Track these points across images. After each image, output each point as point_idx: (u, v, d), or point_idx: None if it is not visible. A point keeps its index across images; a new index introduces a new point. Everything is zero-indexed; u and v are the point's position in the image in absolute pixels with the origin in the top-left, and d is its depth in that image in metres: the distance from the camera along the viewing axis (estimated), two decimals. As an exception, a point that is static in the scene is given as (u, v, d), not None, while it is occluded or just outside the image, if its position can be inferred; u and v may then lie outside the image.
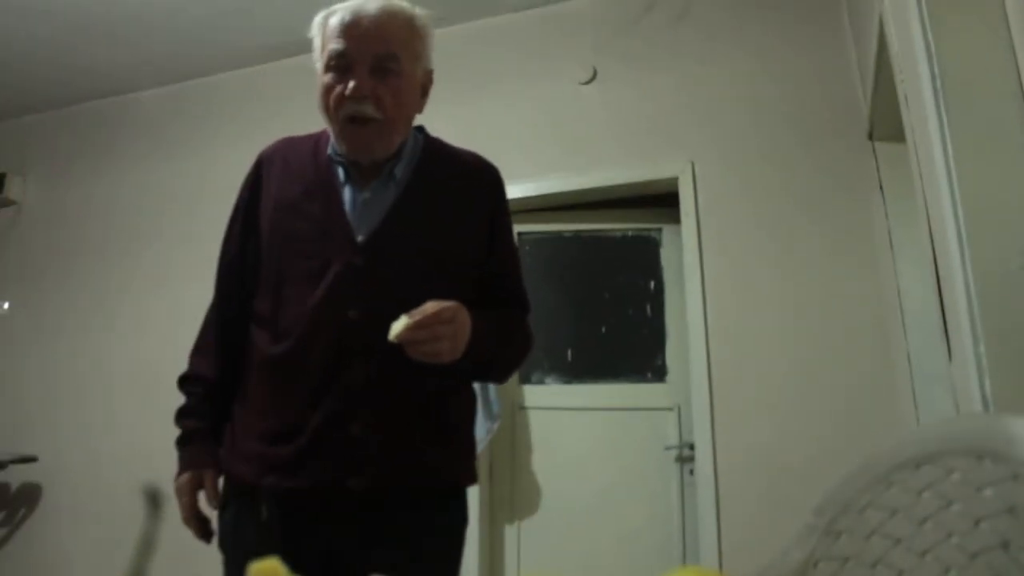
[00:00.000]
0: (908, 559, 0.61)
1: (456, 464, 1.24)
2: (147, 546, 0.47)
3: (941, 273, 1.47)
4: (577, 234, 3.14)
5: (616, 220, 3.10)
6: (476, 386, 2.69)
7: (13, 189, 3.86)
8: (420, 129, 1.36)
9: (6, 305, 3.76)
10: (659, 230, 3.04)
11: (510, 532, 2.87)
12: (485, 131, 3.09)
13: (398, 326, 1.06)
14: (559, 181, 2.99)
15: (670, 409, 2.83)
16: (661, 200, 2.95)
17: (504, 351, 1.29)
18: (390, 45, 1.19)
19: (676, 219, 2.85)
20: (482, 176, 1.34)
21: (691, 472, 2.68)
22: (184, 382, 1.30)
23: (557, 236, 3.15)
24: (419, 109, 1.30)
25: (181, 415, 1.28)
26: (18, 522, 3.43)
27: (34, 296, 3.71)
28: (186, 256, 3.36)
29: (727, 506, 2.50)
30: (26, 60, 3.50)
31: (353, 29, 1.18)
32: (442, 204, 1.28)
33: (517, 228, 3.15)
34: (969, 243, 1.22)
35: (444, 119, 3.18)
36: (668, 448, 2.77)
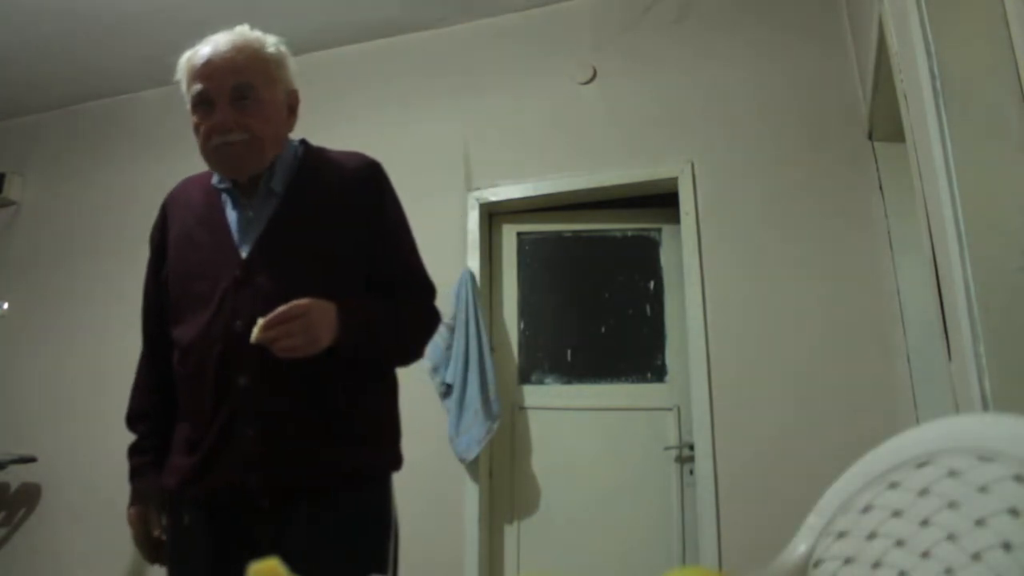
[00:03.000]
0: (909, 559, 0.60)
1: (356, 453, 1.27)
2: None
3: (941, 273, 1.47)
4: (577, 234, 3.14)
5: (616, 220, 3.10)
6: (476, 385, 2.75)
7: (13, 189, 3.85)
8: (302, 142, 1.43)
9: (6, 305, 3.75)
10: (659, 230, 3.04)
11: (510, 532, 2.87)
12: (485, 131, 3.10)
13: (256, 329, 1.15)
14: (559, 181, 2.99)
15: (670, 409, 2.83)
16: (661, 200, 2.95)
17: (388, 334, 1.33)
18: (243, 75, 1.28)
19: (676, 219, 2.85)
20: (360, 173, 1.38)
21: (691, 472, 2.68)
22: (128, 421, 1.43)
23: (557, 236, 3.15)
24: (289, 127, 1.39)
25: (129, 452, 1.40)
26: (18, 522, 3.42)
27: (34, 296, 3.71)
28: (186, 256, 3.35)
29: (727, 506, 2.51)
30: (27, 60, 3.50)
31: (208, 67, 1.28)
32: (322, 208, 1.34)
33: (517, 228, 3.16)
34: (969, 243, 1.22)
35: (443, 118, 3.20)
36: (668, 448, 2.77)
